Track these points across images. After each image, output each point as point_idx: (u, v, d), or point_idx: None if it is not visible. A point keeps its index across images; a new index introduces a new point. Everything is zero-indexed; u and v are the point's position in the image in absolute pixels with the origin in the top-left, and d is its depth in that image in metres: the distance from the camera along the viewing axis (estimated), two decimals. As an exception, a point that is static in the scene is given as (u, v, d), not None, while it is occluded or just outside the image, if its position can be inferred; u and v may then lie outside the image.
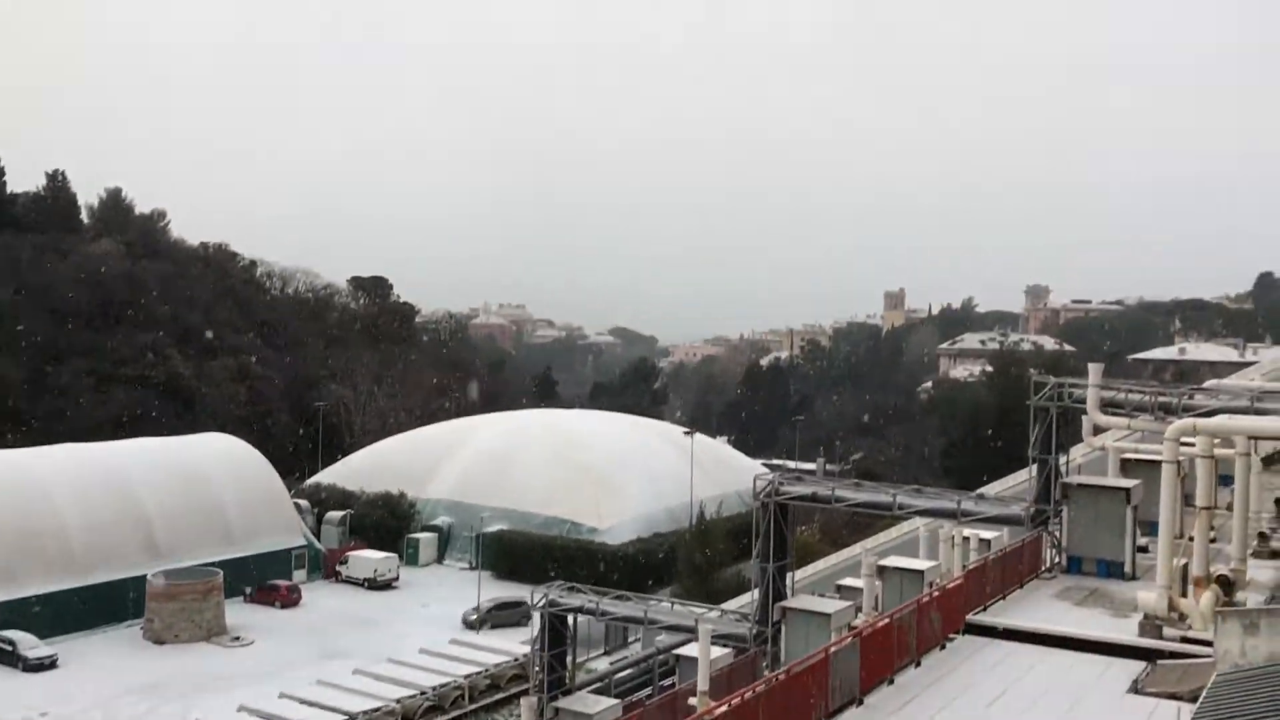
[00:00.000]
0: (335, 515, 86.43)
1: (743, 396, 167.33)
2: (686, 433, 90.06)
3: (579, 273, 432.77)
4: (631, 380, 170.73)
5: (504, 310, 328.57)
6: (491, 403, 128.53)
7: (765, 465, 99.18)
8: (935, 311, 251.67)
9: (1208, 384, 39.43)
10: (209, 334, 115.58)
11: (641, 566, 76.67)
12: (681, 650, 40.02)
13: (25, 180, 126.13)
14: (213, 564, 70.32)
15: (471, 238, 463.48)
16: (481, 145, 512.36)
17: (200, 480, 75.88)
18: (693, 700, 29.82)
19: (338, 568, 79.39)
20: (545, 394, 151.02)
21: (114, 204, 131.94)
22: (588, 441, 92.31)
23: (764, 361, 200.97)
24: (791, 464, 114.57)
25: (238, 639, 65.29)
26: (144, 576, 66.68)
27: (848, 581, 42.64)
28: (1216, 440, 26.18)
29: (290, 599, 72.99)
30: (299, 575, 77.56)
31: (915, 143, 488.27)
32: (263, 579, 74.35)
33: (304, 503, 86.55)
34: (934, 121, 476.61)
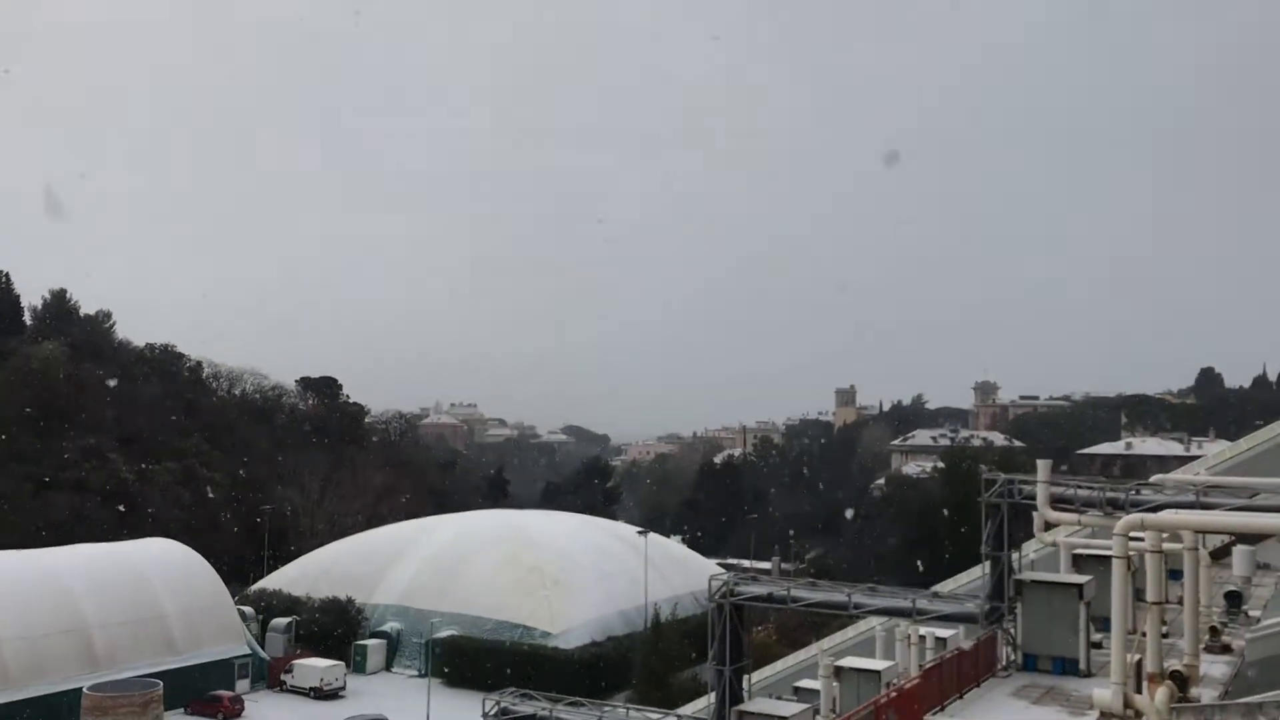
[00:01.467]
0: (280, 622, 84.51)
1: (697, 495, 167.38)
2: (640, 532, 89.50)
3: (531, 372, 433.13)
4: (584, 479, 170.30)
5: (455, 410, 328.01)
6: (442, 504, 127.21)
7: (720, 565, 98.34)
8: (886, 408, 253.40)
9: (1154, 478, 40.00)
10: (155, 437, 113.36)
11: (596, 671, 75.56)
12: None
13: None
14: (153, 674, 68.18)
15: (423, 338, 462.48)
16: (437, 247, 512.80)
17: (141, 587, 73.98)
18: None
19: (282, 676, 77.44)
20: (497, 494, 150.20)
21: (58, 305, 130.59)
22: (540, 542, 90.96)
23: (717, 459, 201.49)
24: (747, 563, 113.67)
25: (177, 754, 63.31)
26: (80, 689, 64.15)
27: (805, 683, 42.15)
28: (1165, 535, 26.40)
29: (233, 710, 70.83)
30: (242, 685, 75.55)
31: (865, 243, 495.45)
32: (205, 689, 72.20)
33: (248, 609, 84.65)
34: (881, 225, 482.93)
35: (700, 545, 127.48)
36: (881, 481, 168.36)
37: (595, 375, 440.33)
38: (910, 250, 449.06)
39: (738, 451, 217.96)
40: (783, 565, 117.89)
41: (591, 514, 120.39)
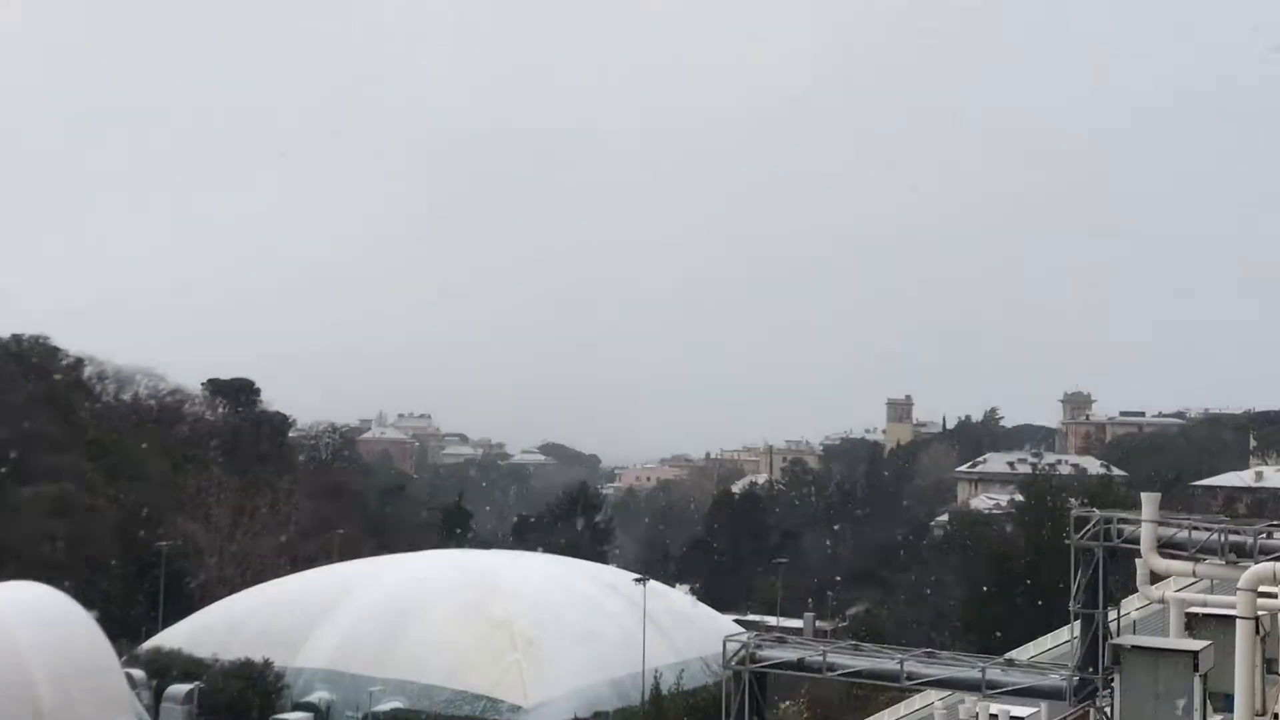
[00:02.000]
0: (179, 690, 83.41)
1: (710, 532, 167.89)
2: (638, 580, 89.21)
3: (500, 377, 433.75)
4: (567, 512, 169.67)
5: (404, 422, 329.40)
6: (387, 541, 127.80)
7: (738, 623, 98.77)
8: (950, 426, 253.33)
9: (1290, 518, 39.90)
10: (13, 454, 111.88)
11: (579, 756, 75.43)
12: None
13: None
14: (14, 757, 67.17)
15: (365, 333, 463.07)
16: (376, 206, 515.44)
17: (1, 644, 71.93)
18: None
19: (181, 759, 76.79)
20: (456, 529, 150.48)
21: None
22: (510, 592, 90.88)
23: (736, 488, 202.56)
24: (772, 620, 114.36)
25: None
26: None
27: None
28: (1303, 590, 26.31)
29: (116, 801, 70.64)
30: (129, 770, 74.38)
31: (921, 226, 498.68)
32: (80, 775, 71.14)
33: (138, 673, 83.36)
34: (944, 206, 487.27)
35: (714, 597, 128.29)
36: (944, 518, 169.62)
37: (582, 381, 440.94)
38: (977, 237, 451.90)
39: (762, 478, 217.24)
40: (818, 624, 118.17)
41: (576, 555, 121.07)
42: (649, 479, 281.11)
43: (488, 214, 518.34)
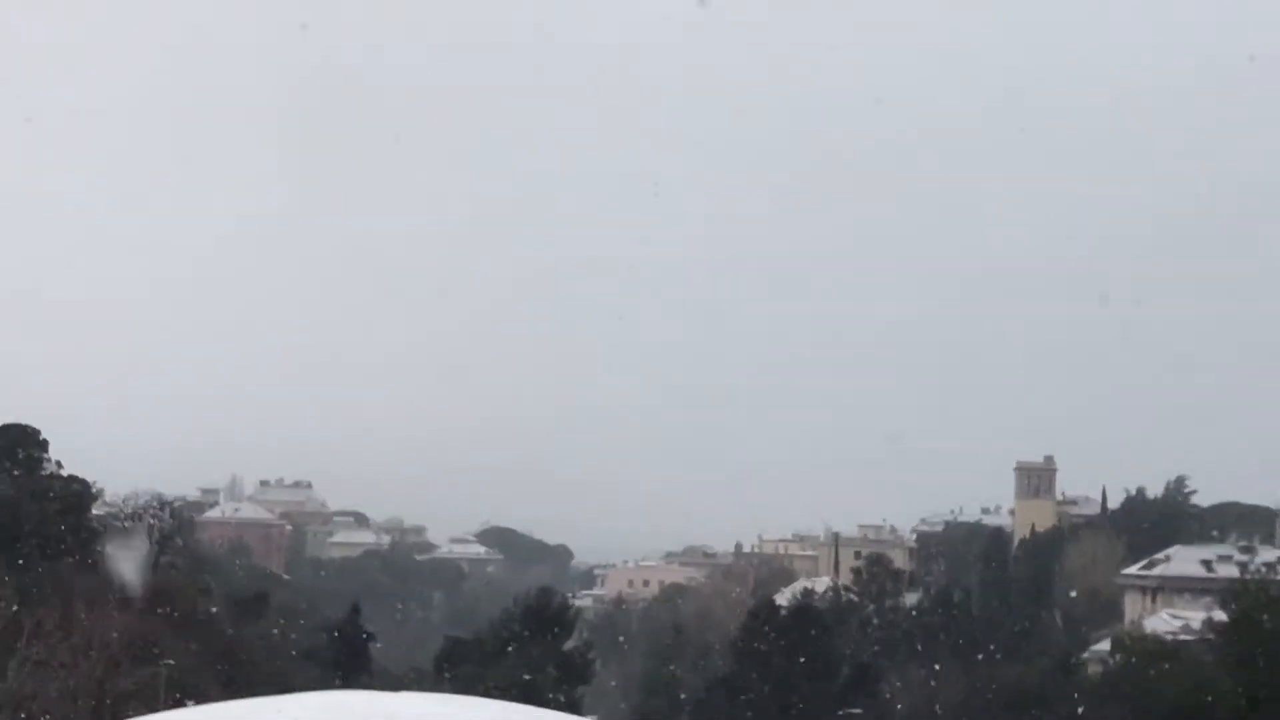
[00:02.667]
0: None
1: (743, 665, 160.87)
2: None
3: (417, 436, 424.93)
4: (523, 632, 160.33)
5: (270, 494, 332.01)
6: (243, 676, 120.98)
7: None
8: (1113, 504, 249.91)
9: None
10: None
11: None
12: None
13: None
14: None
15: (212, 360, 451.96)
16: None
17: None
18: None
19: None
20: (350, 658, 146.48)
21: None
22: None
23: (783, 596, 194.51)
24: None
25: None
26: None
27: None
28: None
29: None
30: None
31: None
32: None
33: None
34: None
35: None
36: (1105, 645, 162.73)
37: (544, 441, 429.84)
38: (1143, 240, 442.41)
39: (823, 582, 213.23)
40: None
41: (536, 701, 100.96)
42: (647, 583, 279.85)
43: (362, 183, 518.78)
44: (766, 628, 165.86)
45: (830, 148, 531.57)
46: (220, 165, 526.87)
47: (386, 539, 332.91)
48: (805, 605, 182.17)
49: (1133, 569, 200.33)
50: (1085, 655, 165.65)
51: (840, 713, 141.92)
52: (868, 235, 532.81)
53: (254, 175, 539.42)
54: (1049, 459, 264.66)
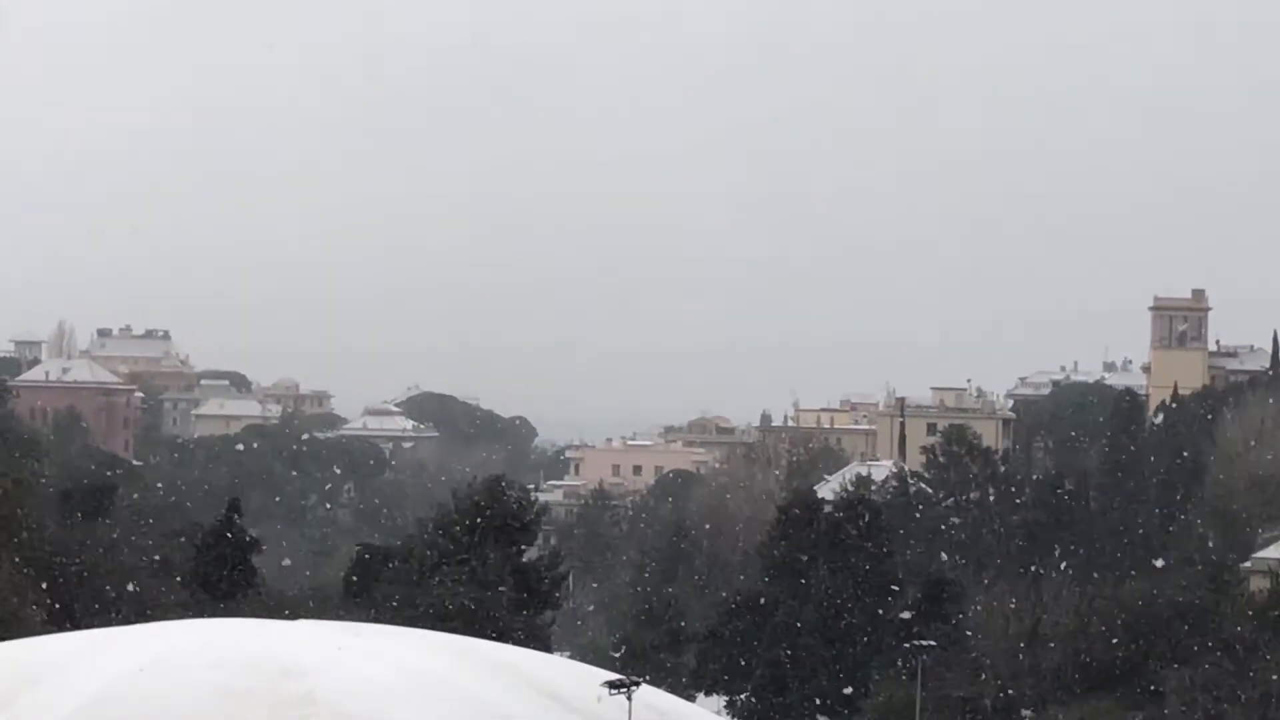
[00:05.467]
0: None
1: (771, 578, 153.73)
2: (614, 688, 59.59)
3: (320, 272, 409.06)
4: (467, 538, 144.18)
5: (114, 346, 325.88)
6: (77, 599, 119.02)
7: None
8: None
9: None
10: None
11: None
12: None
13: None
14: None
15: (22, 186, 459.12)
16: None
17: None
18: None
19: None
20: (231, 576, 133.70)
21: None
22: (343, 712, 63.92)
23: (827, 486, 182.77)
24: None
25: None
26: None
27: None
28: None
29: None
30: None
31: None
32: None
33: None
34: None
35: (781, 716, 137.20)
36: (1276, 552, 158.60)
37: (492, 290, 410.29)
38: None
39: (883, 466, 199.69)
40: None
41: (484, 634, 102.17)
42: (638, 469, 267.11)
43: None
44: (805, 529, 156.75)
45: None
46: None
47: (275, 410, 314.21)
48: (858, 498, 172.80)
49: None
50: (1247, 564, 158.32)
51: (907, 645, 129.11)
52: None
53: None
54: (1199, 294, 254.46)
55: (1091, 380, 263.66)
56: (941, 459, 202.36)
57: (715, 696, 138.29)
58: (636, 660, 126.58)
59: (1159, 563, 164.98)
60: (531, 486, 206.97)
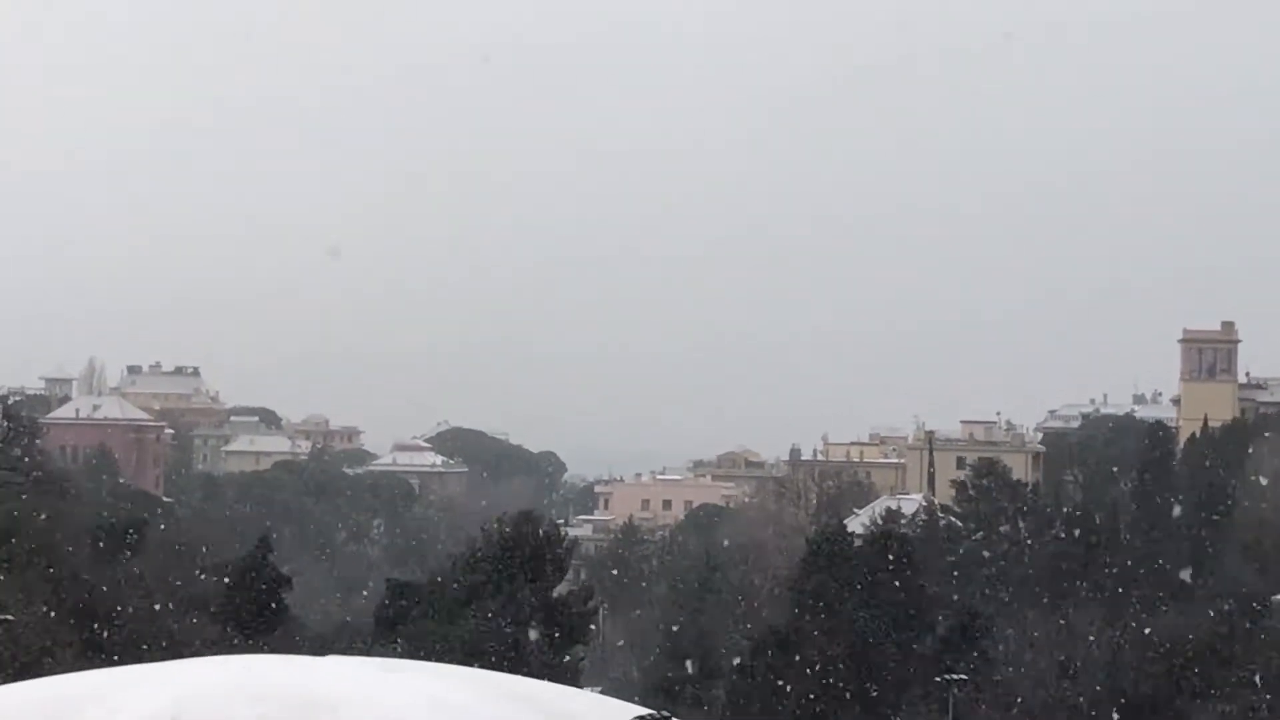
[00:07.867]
0: None
1: (803, 610, 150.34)
2: None
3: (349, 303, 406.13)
4: (496, 572, 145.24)
5: (143, 385, 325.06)
6: (107, 636, 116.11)
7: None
8: None
9: None
10: None
11: None
12: None
13: None
14: None
15: (60, 215, 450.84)
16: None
17: None
18: None
19: None
20: (261, 613, 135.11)
21: None
22: None
23: (856, 520, 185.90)
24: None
25: None
26: None
27: None
28: None
29: None
30: None
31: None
32: None
33: None
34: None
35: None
36: None
37: (522, 324, 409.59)
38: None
39: (913, 500, 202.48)
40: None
41: (513, 668, 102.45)
42: (668, 504, 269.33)
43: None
44: (835, 563, 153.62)
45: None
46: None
47: (305, 446, 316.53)
48: (888, 531, 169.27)
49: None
50: (1279, 598, 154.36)
51: (938, 678, 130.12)
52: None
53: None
54: (1228, 327, 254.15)
55: (1121, 413, 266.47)
56: (971, 492, 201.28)
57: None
58: (666, 694, 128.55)
59: (1190, 596, 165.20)
60: (561, 521, 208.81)
